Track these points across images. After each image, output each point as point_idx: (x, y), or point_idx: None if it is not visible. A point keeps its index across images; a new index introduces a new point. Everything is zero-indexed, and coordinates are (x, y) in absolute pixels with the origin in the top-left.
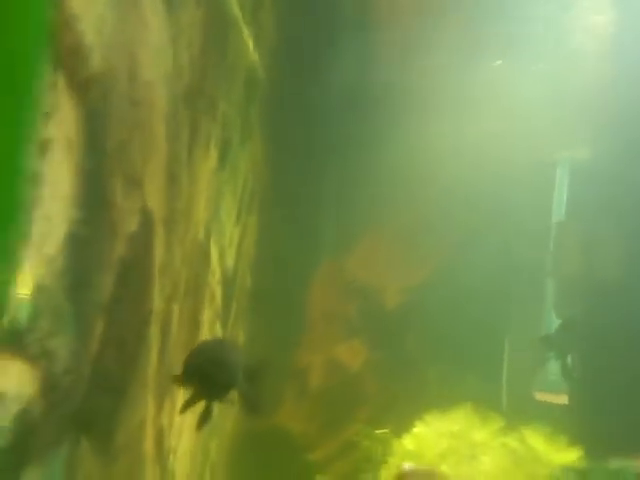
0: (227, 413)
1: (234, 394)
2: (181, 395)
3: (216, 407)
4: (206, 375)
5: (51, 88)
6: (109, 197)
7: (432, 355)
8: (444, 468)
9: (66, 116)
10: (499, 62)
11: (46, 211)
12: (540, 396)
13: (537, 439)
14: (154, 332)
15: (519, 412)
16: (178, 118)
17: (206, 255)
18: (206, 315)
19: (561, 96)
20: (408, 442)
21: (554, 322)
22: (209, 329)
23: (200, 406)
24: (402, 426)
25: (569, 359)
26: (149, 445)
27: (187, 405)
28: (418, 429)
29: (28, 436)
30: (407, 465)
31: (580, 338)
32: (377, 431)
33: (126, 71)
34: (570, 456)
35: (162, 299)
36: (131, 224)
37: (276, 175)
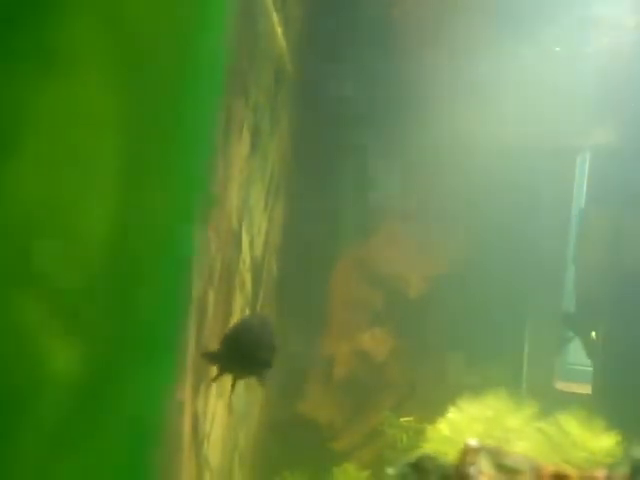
0: (254, 402)
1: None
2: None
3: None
4: (247, 354)
5: None
6: None
7: (456, 343)
8: None
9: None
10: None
11: None
12: (561, 385)
13: (572, 424)
14: (192, 316)
15: (540, 401)
16: None
17: (238, 242)
18: (238, 302)
19: (585, 81)
20: (443, 427)
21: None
22: (240, 316)
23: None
24: (427, 414)
25: (592, 336)
26: (187, 430)
27: (217, 378)
28: (452, 415)
29: None
30: (473, 441)
31: (601, 316)
32: (402, 419)
33: None
34: (607, 441)
35: (199, 284)
36: None
37: (301, 163)
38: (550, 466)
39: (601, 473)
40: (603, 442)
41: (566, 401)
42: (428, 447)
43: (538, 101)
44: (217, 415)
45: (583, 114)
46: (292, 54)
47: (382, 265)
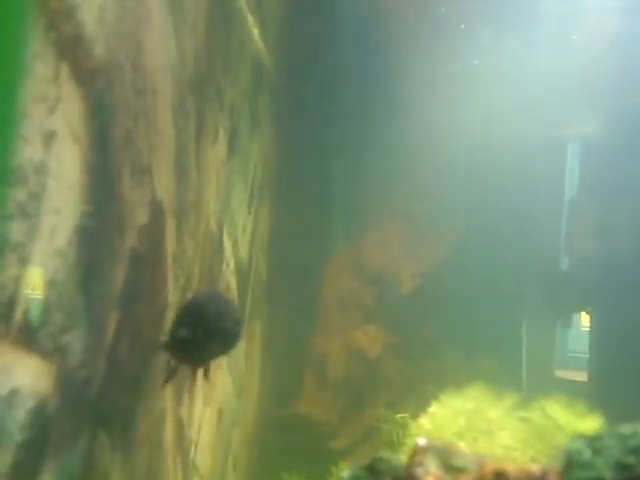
0: (248, 402)
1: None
2: (200, 387)
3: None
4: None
5: (54, 79)
6: (117, 189)
7: (450, 338)
8: (462, 445)
9: (71, 107)
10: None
11: (54, 203)
12: (561, 374)
13: (556, 409)
14: (170, 323)
15: (540, 391)
16: (185, 107)
17: (219, 245)
18: None
19: (575, 72)
20: (425, 422)
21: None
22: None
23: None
24: (422, 409)
25: (573, 313)
26: (169, 437)
27: (171, 376)
28: (434, 409)
29: (44, 431)
30: (422, 440)
31: (580, 295)
32: (398, 415)
33: (130, 60)
34: (591, 423)
35: (176, 290)
36: (141, 216)
37: (287, 163)
38: (491, 464)
39: (536, 467)
40: (587, 424)
41: (564, 389)
42: (411, 442)
43: (530, 92)
44: (205, 420)
45: (575, 105)
46: (273, 55)
47: (374, 263)
